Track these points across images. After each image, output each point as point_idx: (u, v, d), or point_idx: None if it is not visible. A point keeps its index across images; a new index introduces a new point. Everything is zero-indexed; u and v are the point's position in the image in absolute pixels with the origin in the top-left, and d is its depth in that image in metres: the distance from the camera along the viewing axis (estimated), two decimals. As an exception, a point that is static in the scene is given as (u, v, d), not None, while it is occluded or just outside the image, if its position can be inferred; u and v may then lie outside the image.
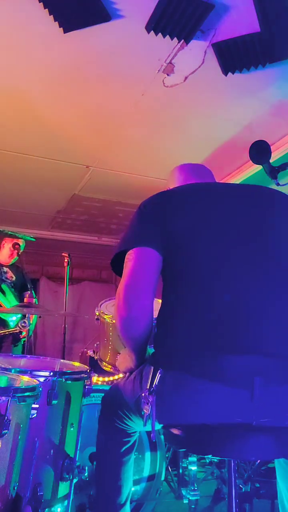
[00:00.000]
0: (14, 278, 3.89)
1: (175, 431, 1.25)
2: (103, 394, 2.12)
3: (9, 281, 3.85)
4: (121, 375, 2.42)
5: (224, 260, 1.29)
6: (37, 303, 3.07)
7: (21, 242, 3.79)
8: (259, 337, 1.19)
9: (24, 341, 3.68)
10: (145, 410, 1.22)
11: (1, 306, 3.70)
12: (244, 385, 1.16)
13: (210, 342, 1.20)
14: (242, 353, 1.17)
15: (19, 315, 3.67)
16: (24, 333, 3.50)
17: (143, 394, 1.24)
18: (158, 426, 1.30)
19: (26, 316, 3.03)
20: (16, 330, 3.25)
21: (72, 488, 1.73)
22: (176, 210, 1.37)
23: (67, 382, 1.72)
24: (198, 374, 1.18)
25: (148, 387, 1.24)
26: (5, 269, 3.89)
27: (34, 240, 3.86)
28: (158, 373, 1.23)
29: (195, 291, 1.26)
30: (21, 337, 3.61)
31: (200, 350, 1.20)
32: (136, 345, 1.37)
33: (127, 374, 1.49)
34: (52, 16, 2.06)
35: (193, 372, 1.19)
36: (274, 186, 1.82)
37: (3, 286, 3.79)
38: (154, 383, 1.23)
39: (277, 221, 1.39)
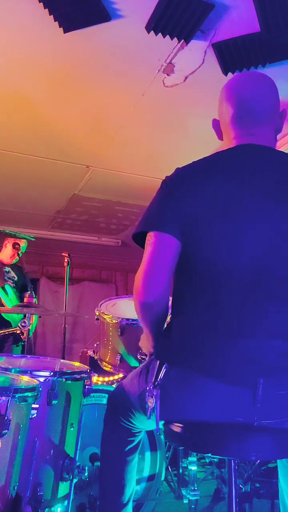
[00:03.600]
0: (16, 278, 3.90)
1: (176, 429, 1.25)
2: (103, 394, 2.14)
3: (12, 281, 3.86)
4: (121, 375, 2.43)
5: (238, 256, 1.23)
6: (36, 302, 3.07)
7: (22, 243, 3.79)
8: (267, 343, 1.18)
9: (24, 341, 3.69)
10: (149, 403, 1.23)
11: (4, 307, 3.70)
12: (248, 386, 1.16)
13: (216, 341, 1.20)
14: (248, 355, 1.17)
15: (21, 316, 3.67)
16: (25, 334, 3.50)
17: (147, 388, 1.25)
18: (160, 423, 1.31)
19: (26, 316, 3.03)
20: (16, 330, 3.24)
21: (72, 488, 1.73)
22: (197, 191, 1.29)
23: (67, 382, 1.72)
24: (202, 372, 1.19)
25: (153, 381, 1.25)
26: (7, 268, 3.89)
27: (33, 239, 3.86)
28: (163, 368, 1.25)
29: (205, 288, 1.26)
30: (22, 337, 3.61)
31: (205, 348, 1.21)
32: (153, 327, 1.38)
33: (136, 368, 1.51)
34: (52, 16, 2.06)
35: (197, 369, 1.20)
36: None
37: (6, 287, 3.80)
38: (159, 377, 1.24)
39: None
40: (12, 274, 3.90)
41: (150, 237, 1.31)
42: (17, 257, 3.86)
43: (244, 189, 1.26)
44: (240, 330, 1.19)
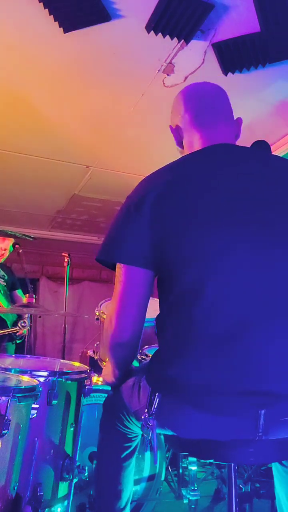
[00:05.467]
0: (6, 277, 3.91)
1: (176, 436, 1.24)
2: (103, 394, 2.13)
3: (2, 280, 3.87)
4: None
5: (230, 275, 1.11)
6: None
7: (11, 241, 3.78)
8: (266, 375, 1.10)
9: (20, 339, 3.70)
10: (145, 435, 1.17)
11: (0, 306, 3.71)
12: (248, 417, 1.09)
13: (211, 374, 1.11)
14: (246, 390, 1.09)
15: (15, 315, 3.69)
16: (19, 332, 3.52)
17: (142, 417, 1.19)
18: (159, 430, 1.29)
19: (26, 316, 3.03)
20: (15, 330, 3.25)
21: (72, 488, 1.73)
22: (169, 206, 1.15)
23: (67, 382, 1.72)
24: (199, 407, 1.12)
25: (146, 411, 1.19)
26: None
27: (33, 239, 3.86)
28: (156, 397, 1.17)
29: (191, 316, 1.13)
30: (17, 334, 3.62)
31: (200, 382, 1.11)
32: (122, 365, 1.36)
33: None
34: (52, 16, 2.06)
35: (193, 404, 1.12)
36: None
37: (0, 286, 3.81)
38: (153, 407, 1.17)
39: None
40: (2, 273, 3.91)
41: (119, 273, 1.21)
42: (7, 256, 3.87)
43: (224, 201, 1.14)
44: (235, 362, 1.09)
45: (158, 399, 1.17)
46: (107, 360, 2.43)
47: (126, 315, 1.23)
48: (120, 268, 1.22)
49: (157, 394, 1.17)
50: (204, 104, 1.35)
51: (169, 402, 1.17)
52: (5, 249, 3.82)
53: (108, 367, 1.46)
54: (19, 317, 3.55)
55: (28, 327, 3.07)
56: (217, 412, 1.10)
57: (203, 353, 1.11)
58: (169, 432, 1.21)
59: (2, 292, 3.80)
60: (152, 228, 1.16)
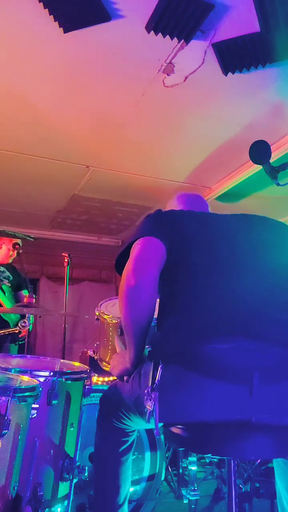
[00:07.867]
0: (11, 278, 3.91)
1: (175, 430, 1.25)
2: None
3: (7, 281, 3.87)
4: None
5: (220, 263, 1.38)
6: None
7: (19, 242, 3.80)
8: (258, 332, 1.22)
9: (23, 340, 3.70)
10: (148, 407, 1.22)
11: (1, 306, 3.71)
12: (243, 381, 1.17)
13: (208, 338, 1.21)
14: (242, 351, 1.19)
15: (18, 315, 3.68)
16: (22, 333, 3.51)
17: (146, 391, 1.24)
18: (159, 425, 1.30)
19: (26, 316, 3.03)
20: (16, 330, 3.25)
21: (72, 488, 1.73)
22: (177, 224, 1.49)
23: (67, 382, 1.73)
24: (197, 370, 1.20)
25: (150, 384, 1.24)
26: (2, 268, 3.90)
27: (33, 239, 3.87)
28: (159, 368, 1.24)
29: (192, 288, 1.32)
30: (19, 336, 3.61)
31: (198, 346, 1.21)
32: (138, 325, 1.35)
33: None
34: (52, 16, 2.07)
35: (192, 368, 1.21)
36: (274, 186, 1.82)
37: (3, 286, 3.80)
38: (156, 379, 1.23)
39: (266, 239, 1.54)
40: (7, 273, 3.91)
41: (137, 242, 1.40)
42: (15, 256, 3.87)
43: (211, 228, 1.51)
44: (232, 326, 1.22)
45: (161, 370, 1.23)
46: (106, 362, 2.44)
47: (141, 261, 1.35)
48: (137, 241, 1.40)
49: (160, 366, 1.24)
50: (192, 198, 1.85)
51: (171, 370, 1.23)
52: (13, 250, 3.82)
53: (116, 357, 1.51)
54: (22, 317, 3.55)
55: (29, 326, 3.07)
56: (213, 374, 1.19)
57: (203, 323, 1.25)
58: (168, 419, 1.25)
59: (6, 293, 3.80)
60: (167, 231, 1.43)
